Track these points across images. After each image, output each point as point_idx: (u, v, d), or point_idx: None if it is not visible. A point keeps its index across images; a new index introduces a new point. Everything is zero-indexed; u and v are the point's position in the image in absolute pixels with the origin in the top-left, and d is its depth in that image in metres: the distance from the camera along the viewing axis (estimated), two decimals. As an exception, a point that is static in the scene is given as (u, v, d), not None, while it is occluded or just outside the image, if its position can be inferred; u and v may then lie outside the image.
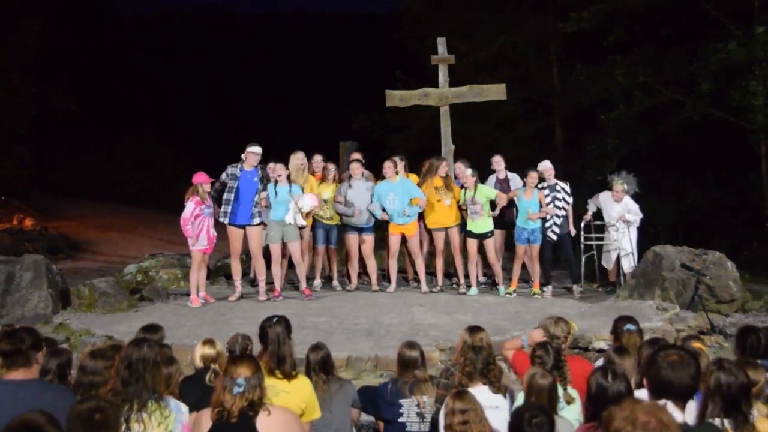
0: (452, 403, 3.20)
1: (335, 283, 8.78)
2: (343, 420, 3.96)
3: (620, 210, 8.62)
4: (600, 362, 4.45)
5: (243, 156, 7.96)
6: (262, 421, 2.85)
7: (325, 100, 33.78)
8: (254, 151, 7.91)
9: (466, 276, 8.58)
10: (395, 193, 8.28)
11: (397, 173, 8.42)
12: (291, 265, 8.74)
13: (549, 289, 8.47)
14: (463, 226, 8.48)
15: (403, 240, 8.50)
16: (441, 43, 9.77)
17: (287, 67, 38.16)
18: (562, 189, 8.41)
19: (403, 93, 10.09)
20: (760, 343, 3.80)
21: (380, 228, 8.80)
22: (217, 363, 3.96)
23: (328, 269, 9.29)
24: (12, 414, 2.40)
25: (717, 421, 2.77)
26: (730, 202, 14.47)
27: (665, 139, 14.43)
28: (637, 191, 8.91)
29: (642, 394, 2.79)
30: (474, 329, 4.14)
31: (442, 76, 9.69)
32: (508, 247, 9.09)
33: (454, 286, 8.83)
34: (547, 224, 8.33)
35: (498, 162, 8.85)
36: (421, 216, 8.50)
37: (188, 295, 7.99)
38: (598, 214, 8.93)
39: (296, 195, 7.89)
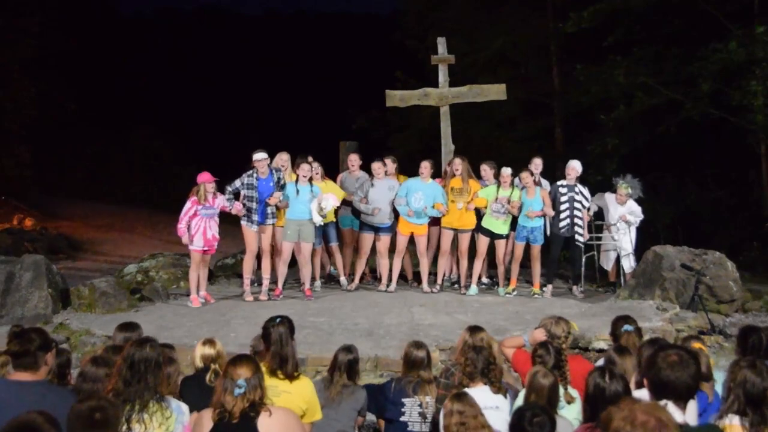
0: (450, 404, 3.20)
1: (342, 279, 8.78)
2: (346, 423, 3.96)
3: (623, 212, 8.62)
4: (601, 362, 4.46)
5: (253, 165, 7.94)
6: (263, 421, 2.85)
7: (325, 100, 33.78)
8: (259, 158, 7.85)
9: (469, 276, 8.57)
10: (424, 194, 8.26)
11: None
12: (291, 265, 8.74)
13: (549, 289, 8.47)
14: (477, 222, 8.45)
15: (410, 240, 8.50)
16: (441, 43, 9.77)
17: (287, 67, 38.14)
18: (581, 191, 8.37)
19: (403, 93, 10.10)
20: (762, 344, 3.80)
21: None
22: (217, 363, 3.96)
23: (328, 267, 9.29)
24: (14, 415, 2.40)
25: (735, 418, 2.79)
26: (730, 202, 14.45)
27: (665, 139, 14.39)
28: (641, 196, 8.91)
29: (642, 394, 2.79)
30: (475, 329, 4.14)
31: (442, 76, 9.70)
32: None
33: (455, 286, 8.83)
34: (563, 224, 8.28)
35: (537, 165, 8.66)
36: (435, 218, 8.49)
37: (188, 295, 7.99)
38: (598, 214, 8.93)
39: (320, 195, 7.88)
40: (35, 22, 19.90)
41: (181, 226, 7.67)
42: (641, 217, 8.69)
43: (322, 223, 8.05)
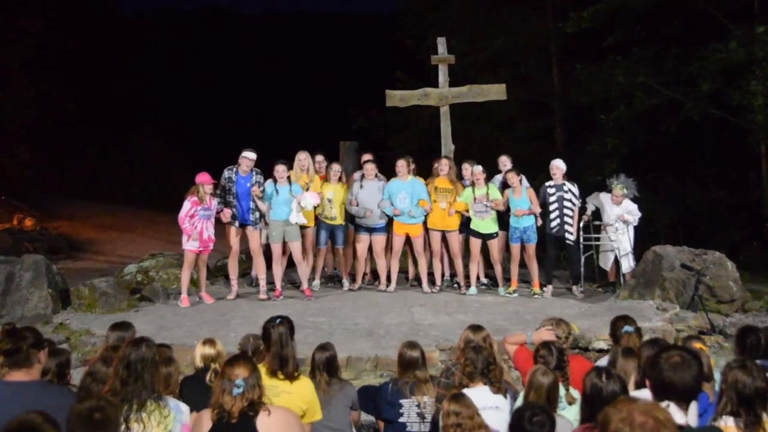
0: (447, 405, 3.20)
1: (345, 282, 8.78)
2: (341, 421, 3.96)
3: (619, 212, 8.62)
4: (602, 361, 4.46)
5: (239, 160, 7.98)
6: (262, 421, 2.85)
7: (325, 100, 33.78)
8: (247, 156, 7.92)
9: (467, 276, 8.57)
10: (406, 192, 8.28)
11: (409, 173, 8.44)
12: (290, 265, 8.75)
13: (549, 289, 8.47)
14: (465, 225, 8.46)
15: (408, 240, 8.50)
16: (441, 43, 9.77)
17: (287, 67, 38.14)
18: (570, 190, 8.37)
19: (403, 93, 10.09)
20: (760, 344, 3.80)
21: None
22: (217, 363, 3.96)
23: (331, 268, 9.29)
24: (12, 416, 2.39)
25: (730, 419, 2.79)
26: (730, 202, 14.45)
27: (665, 139, 14.40)
28: (636, 195, 8.90)
29: (642, 394, 2.79)
30: (476, 328, 4.14)
31: (442, 76, 9.69)
32: (508, 248, 9.10)
33: (455, 286, 8.83)
34: (553, 224, 8.30)
35: (504, 162, 8.84)
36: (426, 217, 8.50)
37: (189, 295, 7.99)
38: (596, 214, 8.93)
39: (297, 195, 7.89)
40: (35, 22, 19.88)
41: (186, 226, 7.68)
42: (639, 215, 8.69)
43: (304, 221, 8.03)
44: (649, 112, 13.89)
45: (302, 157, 8.47)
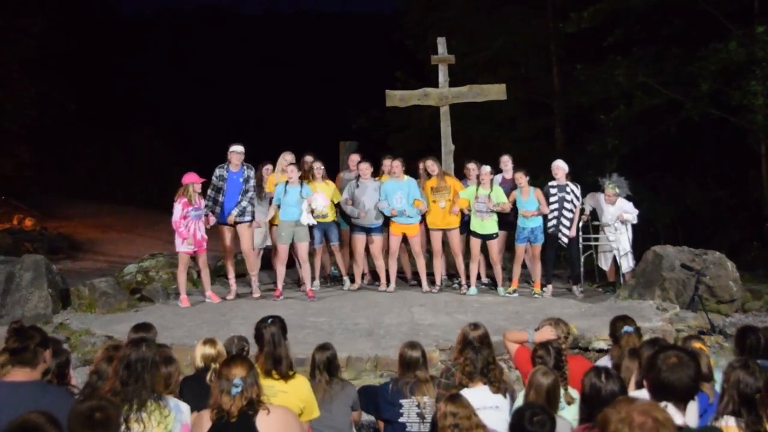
0: (444, 406, 3.20)
1: (345, 280, 8.78)
2: (342, 421, 3.96)
3: (615, 211, 8.62)
4: (603, 361, 4.46)
5: (228, 157, 7.99)
6: (262, 420, 2.86)
7: (325, 100, 33.76)
8: (236, 150, 7.97)
9: (468, 276, 8.58)
10: (402, 192, 8.28)
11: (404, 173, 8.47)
12: (290, 265, 8.75)
13: (549, 288, 8.47)
14: (466, 225, 8.46)
15: (405, 240, 8.50)
16: (441, 43, 9.77)
17: (287, 67, 38.12)
18: (572, 191, 8.37)
19: (403, 93, 10.09)
20: (760, 344, 3.80)
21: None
22: (218, 363, 3.95)
23: (330, 268, 9.29)
24: (12, 416, 2.40)
25: (731, 419, 2.79)
26: (730, 202, 14.45)
27: (665, 139, 14.39)
28: (629, 194, 8.90)
29: (641, 394, 2.79)
30: (474, 326, 4.14)
31: (442, 76, 9.69)
32: (509, 248, 9.10)
33: (455, 286, 8.83)
34: (550, 224, 8.30)
35: (506, 162, 8.82)
36: (423, 217, 8.50)
37: (189, 295, 7.99)
38: (595, 214, 8.94)
39: (309, 196, 7.89)
40: (35, 22, 19.86)
41: (182, 229, 7.66)
42: (636, 212, 8.69)
43: (314, 223, 8.04)
44: (649, 112, 13.89)
45: (288, 158, 8.50)
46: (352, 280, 8.79)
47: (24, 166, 21.06)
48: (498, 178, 8.83)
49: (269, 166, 8.76)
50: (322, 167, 8.60)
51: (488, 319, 6.92)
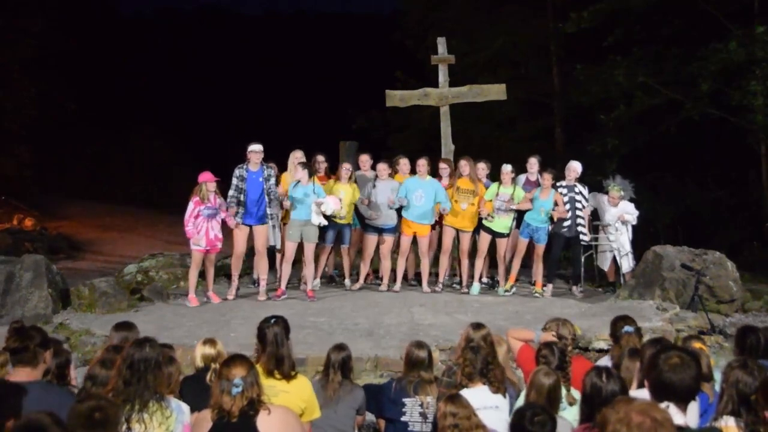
0: (444, 406, 3.20)
1: (347, 281, 8.77)
2: (345, 422, 3.96)
3: (616, 212, 8.63)
4: (603, 361, 4.46)
5: (247, 156, 7.98)
6: (262, 420, 2.85)
7: (325, 100, 33.75)
8: (255, 149, 7.94)
9: (471, 275, 8.57)
10: (423, 191, 8.26)
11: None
12: (294, 263, 8.73)
13: (549, 288, 8.47)
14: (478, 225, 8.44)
15: (413, 239, 8.50)
16: (441, 43, 9.77)
17: (287, 67, 38.11)
18: (580, 192, 8.38)
19: (403, 93, 10.09)
20: (760, 343, 3.80)
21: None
22: (218, 363, 3.95)
23: (332, 269, 9.28)
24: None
25: (731, 419, 2.79)
26: (730, 202, 14.45)
27: (665, 139, 14.40)
28: (633, 197, 8.91)
29: (642, 394, 2.79)
30: (477, 326, 4.14)
31: (442, 76, 9.69)
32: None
33: (455, 286, 8.83)
34: (565, 224, 8.29)
35: (533, 164, 8.73)
36: (440, 217, 8.48)
37: (188, 294, 7.98)
38: (595, 214, 8.94)
39: (318, 199, 7.85)
40: (35, 22, 19.86)
41: (189, 228, 7.67)
42: (637, 213, 8.70)
43: (325, 223, 8.04)
44: (649, 112, 13.89)
45: (298, 156, 8.49)
46: (355, 281, 8.78)
47: (24, 166, 21.07)
48: (521, 178, 8.79)
49: (273, 165, 8.74)
50: (350, 168, 8.58)
51: (488, 319, 6.88)
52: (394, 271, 8.62)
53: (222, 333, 6.30)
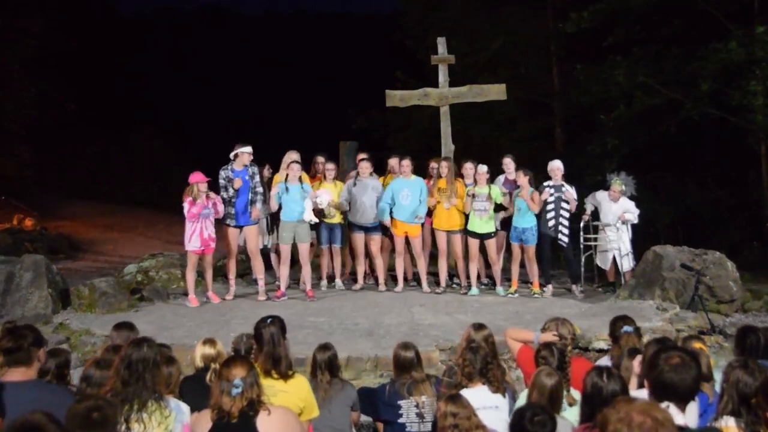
0: (444, 406, 3.20)
1: (338, 282, 8.76)
2: (342, 421, 3.97)
3: (617, 210, 8.62)
4: (603, 361, 4.45)
5: (232, 156, 7.99)
6: (262, 420, 2.85)
7: (325, 100, 33.75)
8: (247, 150, 7.96)
9: (468, 277, 8.57)
10: (410, 191, 8.28)
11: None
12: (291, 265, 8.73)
13: (549, 288, 8.47)
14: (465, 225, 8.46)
15: (407, 240, 8.51)
16: (441, 43, 9.76)
17: (287, 67, 38.11)
18: (567, 191, 8.38)
19: (403, 93, 10.09)
20: (760, 343, 3.80)
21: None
22: (218, 363, 3.95)
23: (330, 268, 9.28)
24: (11, 416, 2.39)
25: (731, 419, 2.78)
26: (730, 202, 14.45)
27: (665, 139, 14.39)
28: (634, 194, 8.90)
29: (642, 394, 2.79)
30: (478, 326, 4.14)
31: (442, 76, 9.69)
32: (509, 248, 9.09)
33: (455, 286, 8.83)
34: (549, 224, 8.30)
35: (508, 164, 8.78)
36: (429, 213, 8.50)
37: (188, 294, 7.98)
38: (595, 214, 8.93)
39: (311, 192, 7.88)
40: (35, 22, 19.86)
41: (187, 227, 7.68)
42: (637, 212, 8.69)
43: (316, 220, 8.03)
44: (649, 112, 13.89)
45: (293, 156, 8.50)
46: (354, 281, 8.77)
47: (24, 166, 21.08)
48: (500, 178, 8.82)
49: (267, 165, 8.79)
50: (335, 169, 8.62)
51: (488, 319, 6.88)
52: (390, 270, 8.61)
53: (222, 333, 6.29)
